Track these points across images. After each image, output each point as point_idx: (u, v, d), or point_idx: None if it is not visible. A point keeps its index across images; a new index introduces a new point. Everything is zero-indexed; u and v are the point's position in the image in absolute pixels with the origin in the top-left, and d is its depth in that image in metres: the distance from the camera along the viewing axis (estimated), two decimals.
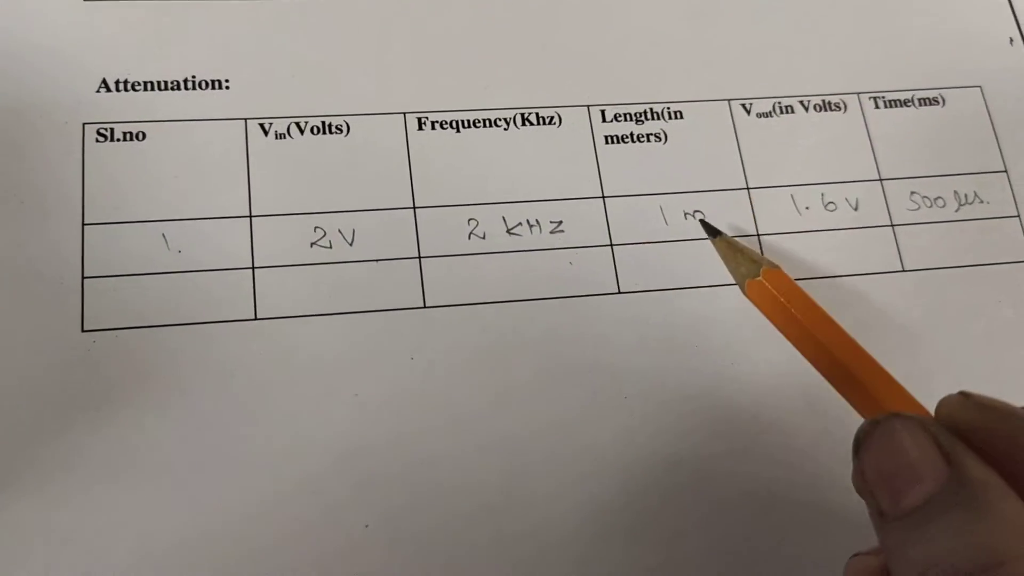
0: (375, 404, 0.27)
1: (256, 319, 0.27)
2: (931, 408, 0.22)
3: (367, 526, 0.26)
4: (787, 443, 0.28)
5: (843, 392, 0.26)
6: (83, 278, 0.27)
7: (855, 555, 0.24)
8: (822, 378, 0.27)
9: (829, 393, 0.27)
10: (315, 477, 0.26)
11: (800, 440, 0.29)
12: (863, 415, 0.25)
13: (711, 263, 0.30)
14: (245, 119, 0.29)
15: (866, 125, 0.33)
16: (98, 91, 0.29)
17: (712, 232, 0.30)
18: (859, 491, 0.21)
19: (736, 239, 0.30)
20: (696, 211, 0.31)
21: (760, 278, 0.28)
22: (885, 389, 0.25)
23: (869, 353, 0.26)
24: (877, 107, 0.34)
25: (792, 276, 0.30)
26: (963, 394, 0.21)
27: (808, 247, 0.31)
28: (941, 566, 0.18)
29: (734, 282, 0.30)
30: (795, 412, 0.29)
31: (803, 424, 0.29)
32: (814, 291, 0.30)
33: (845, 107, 0.34)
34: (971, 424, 0.20)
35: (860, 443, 0.21)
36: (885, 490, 0.20)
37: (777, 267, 0.29)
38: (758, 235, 0.31)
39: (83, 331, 0.26)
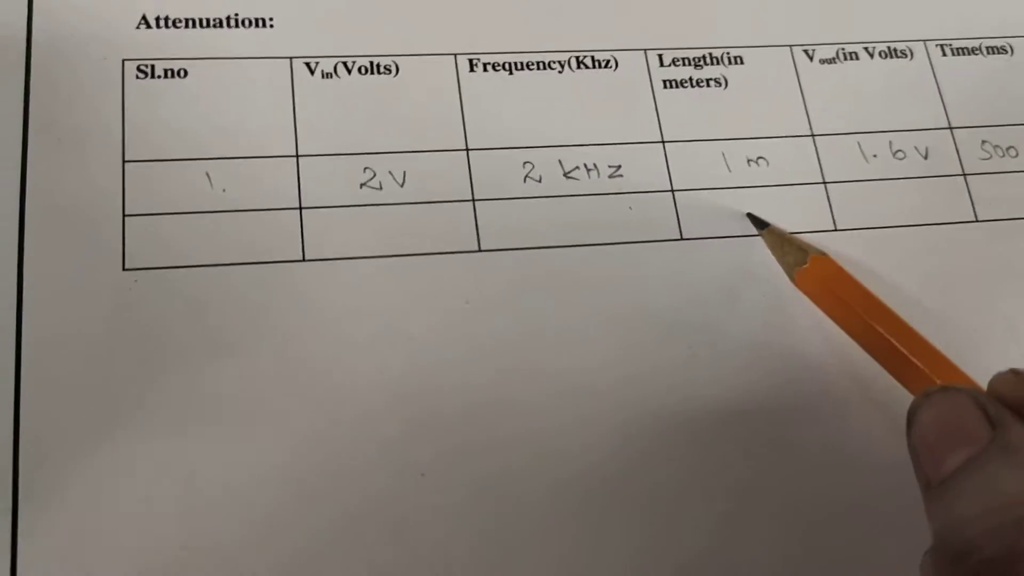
0: (430, 348, 0.26)
1: (304, 260, 0.26)
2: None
3: (423, 475, 0.24)
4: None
5: (895, 373, 0.26)
6: (124, 216, 0.26)
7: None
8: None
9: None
10: (368, 419, 0.25)
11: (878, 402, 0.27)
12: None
13: (778, 212, 0.29)
14: (290, 58, 0.28)
15: (934, 73, 0.32)
16: (138, 27, 0.28)
17: (760, 224, 0.28)
18: (913, 467, 0.20)
19: (784, 230, 0.28)
20: (760, 158, 0.30)
21: (808, 265, 0.27)
22: (937, 366, 0.25)
23: (920, 333, 0.26)
24: (944, 55, 0.32)
25: (860, 225, 0.29)
26: (1014, 371, 0.21)
27: (876, 196, 0.30)
28: (976, 523, 0.18)
29: (804, 230, 0.29)
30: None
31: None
32: (884, 241, 0.29)
33: (911, 54, 0.32)
34: (1022, 401, 0.20)
35: (911, 417, 0.21)
36: (929, 458, 0.19)
37: (824, 254, 0.27)
38: (824, 183, 0.30)
39: (124, 270, 0.25)
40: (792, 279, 0.27)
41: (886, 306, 0.26)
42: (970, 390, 0.20)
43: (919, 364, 0.25)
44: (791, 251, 0.27)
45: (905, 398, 0.22)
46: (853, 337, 0.27)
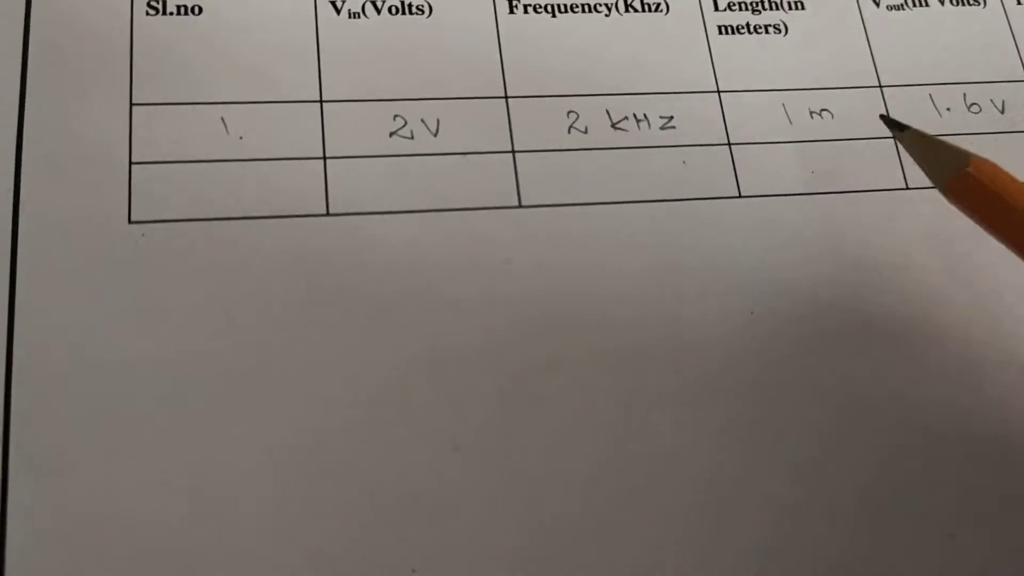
0: (467, 309, 0.23)
1: (328, 214, 0.24)
2: None
3: (457, 449, 0.22)
4: (958, 360, 0.24)
5: None
6: (130, 164, 0.23)
7: None
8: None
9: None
10: (398, 387, 0.22)
11: (978, 360, 0.24)
12: None
13: (845, 165, 0.26)
14: None
15: (1009, 22, 0.29)
16: None
17: (898, 127, 0.25)
18: None
19: (928, 134, 0.25)
20: (824, 110, 0.27)
21: (970, 169, 0.23)
22: None
23: None
24: (1020, 3, 0.30)
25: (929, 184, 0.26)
26: None
27: None
28: None
29: (872, 188, 0.26)
30: (966, 322, 0.25)
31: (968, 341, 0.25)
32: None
33: (985, 2, 0.29)
34: None
35: None
36: None
37: (985, 159, 0.23)
38: (894, 137, 0.27)
39: (130, 222, 0.23)
40: (943, 189, 0.23)
41: None
42: None
43: None
44: (944, 156, 0.23)
45: None
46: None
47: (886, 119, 0.25)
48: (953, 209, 0.25)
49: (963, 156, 0.22)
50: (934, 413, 0.24)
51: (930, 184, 0.26)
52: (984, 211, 0.23)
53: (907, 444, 0.24)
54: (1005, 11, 0.30)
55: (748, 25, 0.28)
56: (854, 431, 0.24)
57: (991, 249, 0.22)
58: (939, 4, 0.29)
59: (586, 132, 0.26)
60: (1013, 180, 0.22)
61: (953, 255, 0.26)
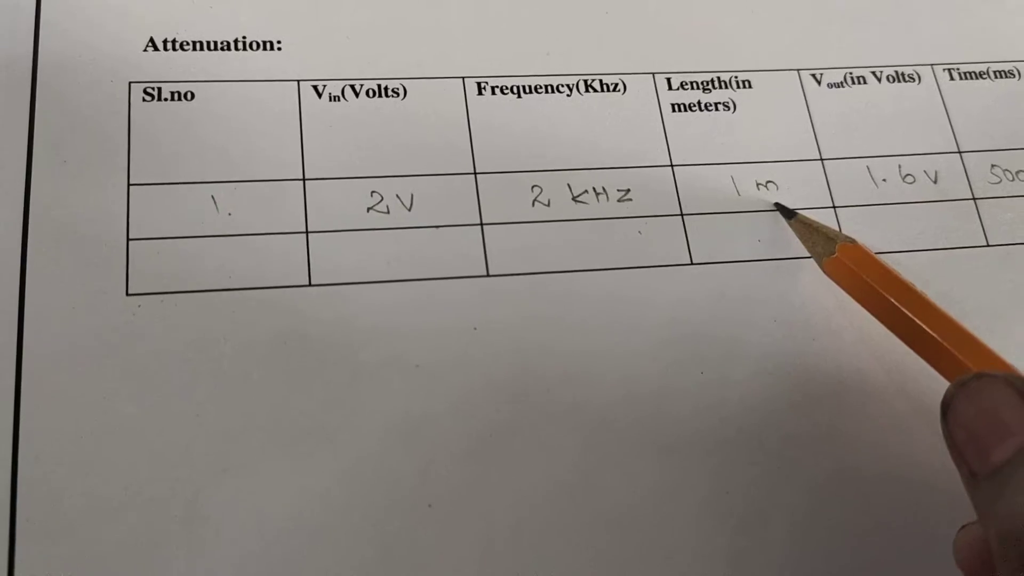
0: (437, 375, 0.25)
1: (311, 285, 0.26)
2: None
3: (430, 505, 0.24)
4: (875, 420, 0.26)
5: (929, 360, 0.25)
6: (128, 240, 0.25)
7: (963, 527, 0.22)
8: (908, 352, 0.25)
9: (917, 366, 0.25)
10: (374, 453, 0.24)
11: (889, 415, 0.27)
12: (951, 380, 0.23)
13: (788, 235, 0.29)
14: (298, 80, 0.28)
15: (942, 97, 0.32)
16: (145, 49, 0.28)
17: (788, 214, 0.28)
18: (952, 456, 0.20)
19: (812, 218, 0.28)
20: (769, 182, 0.30)
21: (836, 255, 0.27)
22: (972, 352, 0.24)
23: (953, 317, 0.25)
24: (952, 79, 0.32)
25: (871, 250, 0.29)
26: None
27: (887, 220, 0.30)
28: None
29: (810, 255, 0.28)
30: (880, 387, 0.27)
31: (890, 399, 0.27)
32: (894, 266, 0.29)
33: (919, 79, 0.32)
34: None
35: (947, 405, 0.20)
36: (973, 449, 0.19)
37: (853, 241, 0.27)
38: (834, 207, 0.30)
39: (128, 295, 0.25)
40: (821, 267, 0.27)
41: (918, 291, 0.26)
42: (1007, 375, 0.20)
43: (952, 348, 0.24)
44: (820, 240, 0.27)
45: (940, 386, 0.22)
46: (885, 324, 0.26)
47: (779, 206, 0.28)
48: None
49: (833, 240, 0.26)
50: (866, 460, 0.27)
51: (870, 250, 0.28)
52: (849, 286, 0.27)
53: (841, 495, 0.26)
54: (939, 86, 0.32)
55: (699, 103, 0.30)
56: (793, 485, 0.26)
57: None
58: (876, 81, 0.32)
59: (549, 205, 0.28)
60: (874, 261, 0.26)
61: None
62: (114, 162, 0.26)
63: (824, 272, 0.28)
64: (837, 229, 0.29)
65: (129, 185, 0.26)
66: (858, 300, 0.27)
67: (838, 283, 0.27)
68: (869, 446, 0.27)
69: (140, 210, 0.26)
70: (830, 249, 0.27)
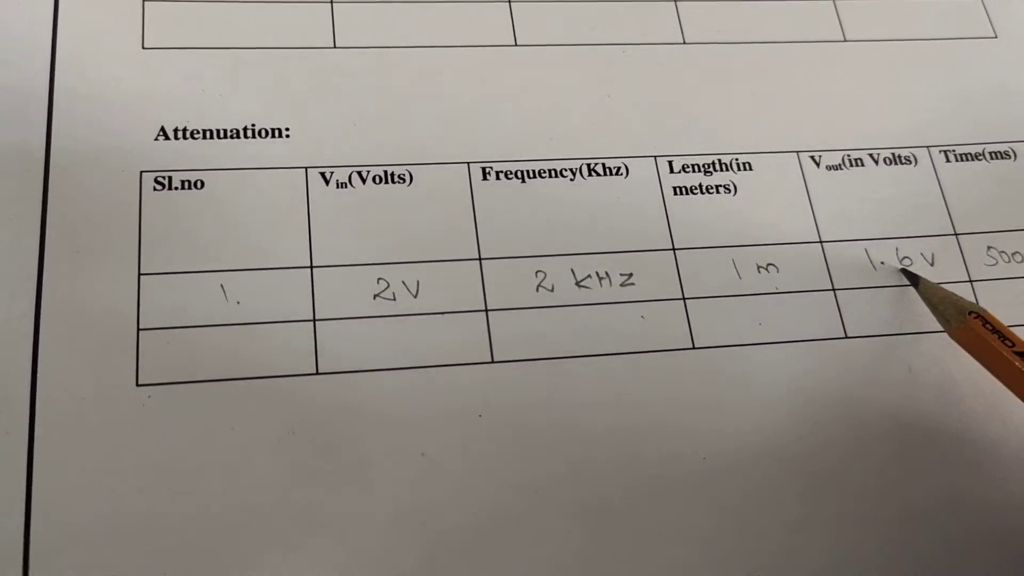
0: (443, 464, 0.25)
1: (318, 373, 0.26)
2: None
3: None
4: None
5: None
6: (138, 330, 0.26)
7: None
8: None
9: None
10: (380, 544, 0.24)
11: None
12: None
13: (790, 316, 0.29)
14: (306, 168, 0.28)
15: (938, 179, 0.32)
16: (156, 139, 0.28)
17: (913, 280, 0.29)
18: None
19: (939, 285, 0.29)
20: (770, 264, 0.30)
21: (969, 320, 0.27)
22: None
23: None
24: (948, 160, 0.33)
25: (871, 332, 0.29)
26: None
27: (885, 302, 0.30)
28: None
29: (814, 338, 0.29)
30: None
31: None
32: (892, 348, 0.29)
33: (916, 160, 0.33)
34: None
35: None
36: None
37: (980, 311, 0.28)
38: (833, 289, 0.30)
39: (138, 385, 0.25)
40: (951, 334, 0.28)
41: None
42: None
43: None
44: (949, 308, 0.28)
45: None
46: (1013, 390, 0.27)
47: (905, 272, 0.28)
48: (893, 353, 0.28)
49: (965, 308, 0.26)
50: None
51: (870, 333, 0.29)
52: (981, 355, 0.27)
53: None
54: (935, 169, 0.33)
55: (701, 186, 0.31)
56: (796, 572, 0.26)
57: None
58: (873, 163, 0.32)
59: (552, 290, 0.28)
60: (1007, 330, 0.27)
61: (877, 403, 0.28)
62: (125, 251, 0.26)
63: (953, 339, 0.28)
64: (971, 299, 0.29)
65: (140, 274, 0.26)
66: (986, 366, 0.27)
67: (968, 350, 0.28)
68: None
69: (150, 299, 0.26)
70: (963, 315, 0.27)
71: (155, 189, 0.27)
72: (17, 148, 0.27)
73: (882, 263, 0.31)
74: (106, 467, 0.24)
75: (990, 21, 0.35)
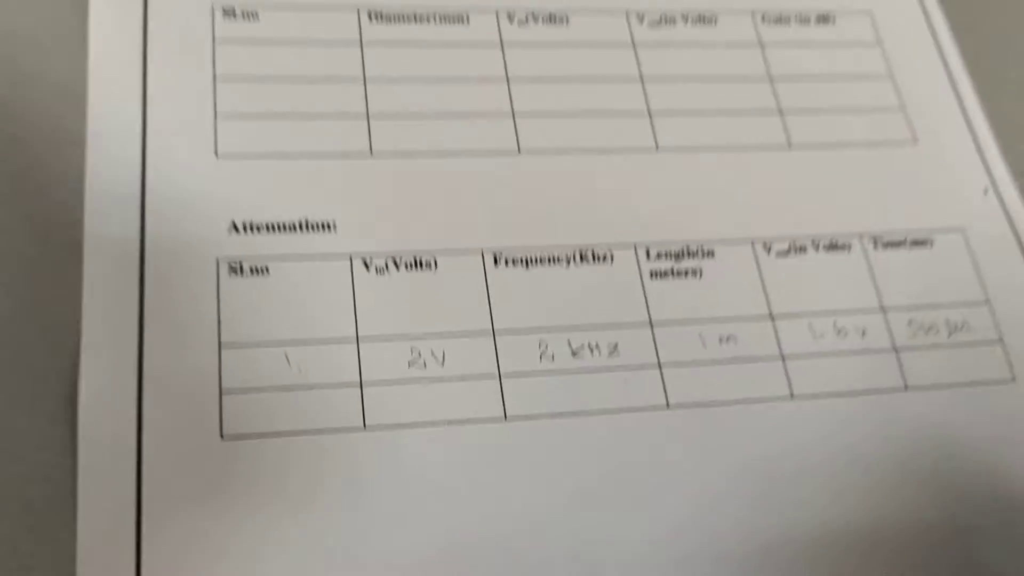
0: (469, 507, 0.32)
1: (365, 428, 0.32)
2: None
3: None
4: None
5: None
6: (221, 393, 0.32)
7: None
8: None
9: None
10: None
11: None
12: None
13: (742, 383, 0.36)
14: (350, 256, 0.35)
15: (868, 263, 0.39)
16: (228, 232, 0.34)
17: None
18: None
19: None
20: (730, 337, 0.37)
21: None
22: None
23: None
24: (876, 248, 0.40)
25: (810, 392, 0.36)
26: None
27: (824, 368, 0.37)
28: None
29: (765, 399, 0.35)
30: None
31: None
32: (833, 407, 0.36)
33: (849, 247, 0.39)
34: None
35: None
36: None
37: None
38: (782, 357, 0.37)
39: (222, 439, 0.31)
40: None
41: None
42: None
43: None
44: None
45: None
46: None
47: None
48: (835, 410, 0.35)
49: None
50: None
51: (813, 392, 0.35)
52: None
53: None
54: (865, 254, 0.40)
55: (672, 270, 0.38)
56: None
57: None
58: (814, 250, 0.39)
59: (553, 359, 0.35)
60: None
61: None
62: (208, 327, 0.32)
63: None
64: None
65: (220, 346, 0.32)
66: None
67: None
68: None
69: (229, 367, 0.32)
70: None
71: (230, 275, 0.33)
72: (118, 241, 0.33)
73: (822, 336, 0.37)
74: (201, 505, 0.30)
75: (911, 128, 0.42)
